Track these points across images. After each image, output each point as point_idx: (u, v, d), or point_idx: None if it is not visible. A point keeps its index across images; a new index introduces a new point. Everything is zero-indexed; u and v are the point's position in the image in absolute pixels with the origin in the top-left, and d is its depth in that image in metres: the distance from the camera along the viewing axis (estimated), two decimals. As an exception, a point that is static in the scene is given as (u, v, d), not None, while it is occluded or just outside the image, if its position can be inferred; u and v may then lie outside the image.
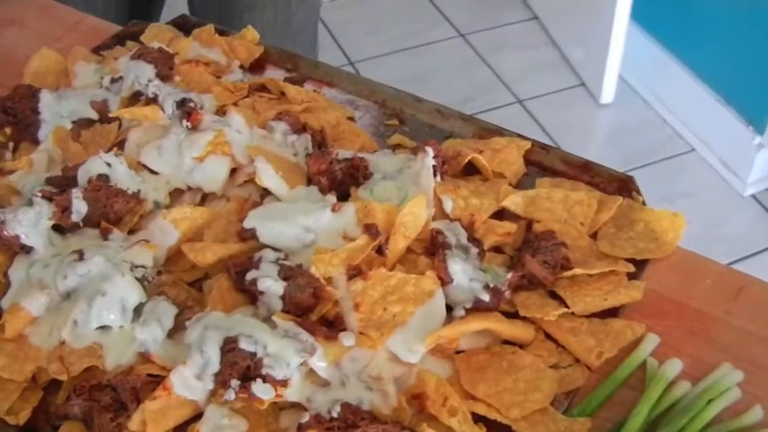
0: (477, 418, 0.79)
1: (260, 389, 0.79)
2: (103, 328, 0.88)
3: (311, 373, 0.82)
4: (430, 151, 0.95)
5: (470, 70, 2.85)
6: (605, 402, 0.82)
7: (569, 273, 0.89)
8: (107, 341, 0.88)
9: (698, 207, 2.38)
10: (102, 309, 0.87)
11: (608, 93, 2.66)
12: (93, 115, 1.10)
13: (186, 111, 1.02)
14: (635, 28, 2.62)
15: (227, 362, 0.79)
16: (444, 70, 2.85)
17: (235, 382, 0.79)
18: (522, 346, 0.86)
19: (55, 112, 1.10)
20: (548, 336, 0.87)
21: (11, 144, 1.09)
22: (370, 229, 0.90)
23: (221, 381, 0.80)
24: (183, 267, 0.95)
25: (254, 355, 0.79)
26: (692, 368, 0.84)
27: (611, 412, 0.81)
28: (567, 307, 0.87)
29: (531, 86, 2.76)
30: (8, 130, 1.10)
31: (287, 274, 0.87)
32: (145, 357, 0.86)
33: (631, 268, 0.91)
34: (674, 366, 0.83)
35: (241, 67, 1.20)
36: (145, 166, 1.02)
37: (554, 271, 0.89)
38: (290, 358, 0.80)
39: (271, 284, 0.86)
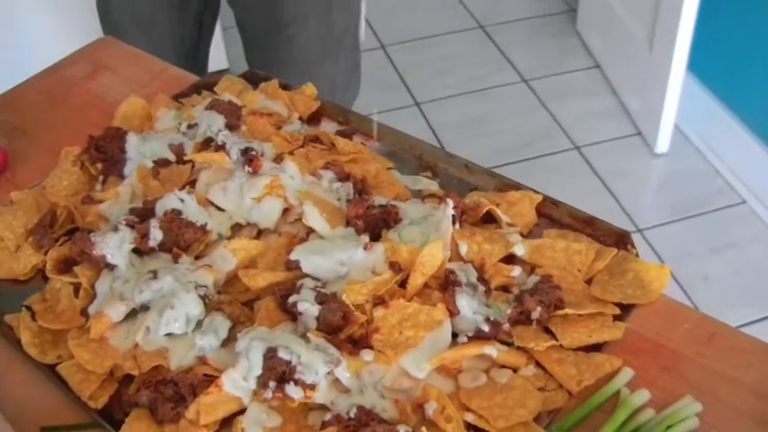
0: (470, 427, 1.00)
1: (292, 390, 1.01)
2: (170, 335, 1.12)
3: (336, 381, 1.04)
4: (450, 203, 1.17)
5: (531, 115, 3.05)
6: (580, 422, 1.01)
7: (561, 312, 1.09)
8: (172, 345, 1.11)
9: (746, 258, 2.53)
10: (170, 319, 1.10)
11: (663, 143, 2.83)
12: (171, 157, 1.35)
13: (249, 158, 1.25)
14: (692, 79, 2.79)
15: (268, 367, 1.02)
16: (506, 114, 3.05)
17: (272, 383, 1.01)
18: (515, 371, 1.06)
19: (139, 152, 1.35)
20: (537, 364, 1.07)
21: (101, 177, 1.35)
22: (394, 266, 1.12)
23: (262, 382, 1.02)
24: (239, 290, 1.18)
25: (289, 362, 1.02)
26: (660, 400, 1.02)
27: (584, 430, 1.00)
28: (557, 340, 1.07)
29: (589, 133, 2.95)
30: (99, 166, 1.35)
31: (322, 299, 1.09)
32: (202, 360, 1.09)
33: (617, 311, 1.10)
34: (641, 395, 1.02)
35: (300, 118, 1.44)
36: (212, 203, 1.26)
37: (548, 309, 1.09)
38: (318, 367, 1.02)
39: (308, 307, 1.08)
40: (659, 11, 2.71)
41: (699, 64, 2.77)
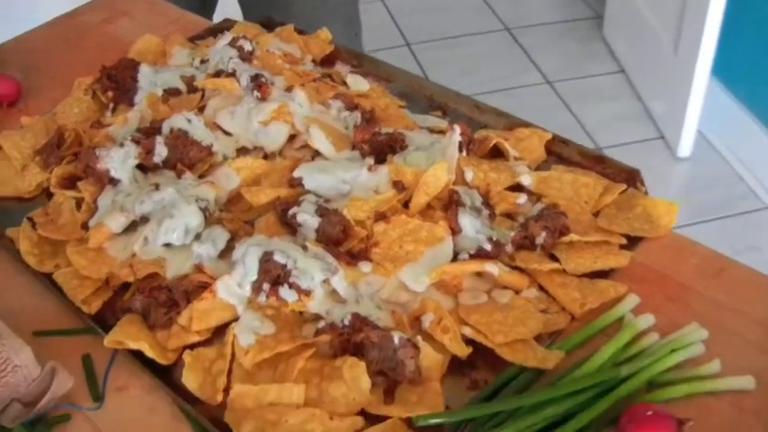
0: (468, 343, 0.97)
1: (286, 292, 0.99)
2: (168, 246, 1.10)
3: (333, 293, 1.02)
4: (457, 129, 1.15)
5: (554, 116, 3.04)
6: (582, 344, 0.98)
7: (567, 238, 1.06)
8: (169, 256, 1.10)
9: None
10: (169, 228, 1.09)
11: (686, 147, 2.81)
12: (182, 87, 1.34)
13: (258, 84, 1.25)
14: (716, 84, 2.77)
15: (263, 270, 1.00)
16: (529, 114, 3.01)
17: (266, 286, 0.99)
18: (517, 293, 1.04)
19: (150, 81, 1.35)
20: (540, 288, 1.05)
21: (111, 105, 1.35)
22: (397, 185, 1.11)
23: (256, 286, 1.01)
24: (240, 209, 1.16)
25: (284, 266, 1.00)
26: (665, 328, 0.99)
27: (586, 352, 0.97)
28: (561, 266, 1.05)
29: (612, 135, 2.93)
30: (110, 94, 1.35)
31: (322, 212, 1.07)
32: (198, 269, 1.07)
33: (623, 240, 1.07)
34: (646, 319, 0.98)
35: (313, 61, 1.44)
36: (219, 128, 1.25)
37: (553, 235, 1.06)
38: (315, 273, 1.00)
39: (308, 218, 1.07)
40: (685, 15, 2.70)
41: (723, 69, 2.75)
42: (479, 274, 1.05)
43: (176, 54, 1.43)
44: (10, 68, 1.48)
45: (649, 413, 0.86)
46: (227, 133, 1.25)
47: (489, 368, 0.96)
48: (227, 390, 0.95)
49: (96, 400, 0.99)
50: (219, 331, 1.02)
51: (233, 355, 0.98)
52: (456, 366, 0.97)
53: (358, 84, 1.33)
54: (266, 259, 1.00)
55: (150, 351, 0.98)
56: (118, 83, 1.34)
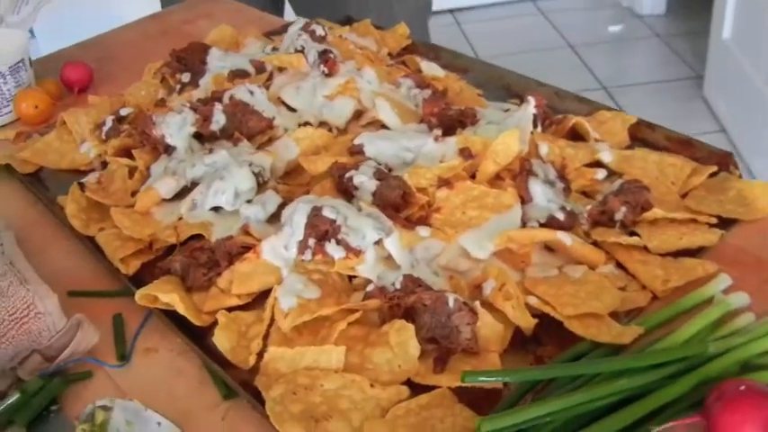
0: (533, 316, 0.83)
1: (333, 248, 0.87)
2: (217, 210, 1.00)
3: (386, 259, 0.89)
4: (532, 100, 1.03)
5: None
6: (664, 324, 0.82)
7: (649, 214, 0.91)
8: (217, 220, 0.99)
9: None
10: (219, 191, 0.98)
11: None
12: (251, 70, 1.26)
13: (325, 59, 1.15)
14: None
15: (310, 224, 0.88)
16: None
17: (312, 241, 0.88)
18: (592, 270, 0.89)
19: (219, 65, 1.26)
20: (619, 266, 0.90)
21: (178, 87, 1.27)
22: (464, 152, 0.98)
23: (302, 243, 0.89)
24: (298, 182, 1.05)
25: (334, 221, 0.88)
26: (761, 310, 0.82)
27: (667, 332, 0.82)
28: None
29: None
30: (179, 76, 1.28)
31: (381, 175, 0.96)
32: (245, 231, 0.96)
33: (714, 220, 0.92)
34: (740, 298, 0.82)
35: (389, 54, 1.34)
36: (283, 104, 1.16)
37: (635, 211, 0.92)
38: (366, 232, 0.88)
39: (365, 180, 0.95)
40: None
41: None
42: (550, 249, 0.91)
43: (249, 44, 1.36)
44: (86, 59, 1.42)
45: (742, 388, 0.69)
46: (291, 110, 1.15)
47: (557, 345, 0.82)
48: (260, 355, 0.82)
49: (122, 359, 0.87)
50: (260, 299, 0.90)
51: (272, 320, 0.86)
52: (519, 342, 0.82)
53: (432, 69, 1.23)
54: (314, 214, 0.89)
55: (182, 307, 0.87)
56: (187, 65, 1.27)
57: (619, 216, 0.92)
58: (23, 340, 0.86)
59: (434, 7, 3.52)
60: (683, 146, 1.05)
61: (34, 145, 1.20)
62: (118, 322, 0.91)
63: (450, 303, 0.80)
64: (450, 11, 3.83)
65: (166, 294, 0.87)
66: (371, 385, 0.78)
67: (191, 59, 1.27)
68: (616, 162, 1.00)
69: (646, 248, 0.90)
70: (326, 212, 0.88)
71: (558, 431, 0.69)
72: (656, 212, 0.91)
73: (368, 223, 0.88)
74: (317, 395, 0.77)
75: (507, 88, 1.22)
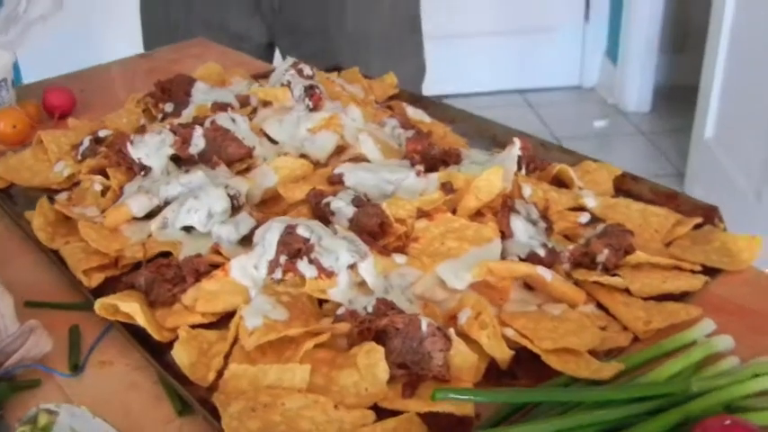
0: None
1: (305, 266, 0.83)
2: (188, 231, 0.96)
3: (360, 285, 0.85)
4: (517, 142, 1.00)
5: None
6: (645, 365, 0.78)
7: (633, 257, 0.88)
8: (187, 240, 0.95)
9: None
10: (192, 209, 0.94)
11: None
12: (235, 103, 1.23)
13: (311, 93, 1.13)
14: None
15: (283, 242, 0.84)
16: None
17: (283, 258, 0.83)
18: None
19: (204, 98, 1.24)
20: (599, 306, 0.86)
21: (160, 116, 1.24)
22: (445, 187, 0.95)
23: (273, 261, 0.85)
24: (274, 210, 1.02)
25: (307, 240, 0.84)
26: (746, 356, 0.79)
27: (648, 371, 0.78)
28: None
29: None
30: (161, 106, 1.25)
31: (359, 203, 0.92)
32: (215, 249, 0.92)
33: (698, 268, 0.89)
34: (724, 341, 0.78)
35: (376, 101, 1.32)
36: (265, 135, 1.13)
37: (617, 254, 0.89)
38: (340, 254, 0.84)
39: (342, 206, 0.91)
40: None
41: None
42: (529, 288, 0.87)
43: (236, 83, 1.33)
44: (71, 86, 1.40)
45: (728, 422, 0.65)
46: (273, 142, 1.12)
47: (533, 380, 0.77)
48: (220, 374, 0.77)
49: (74, 369, 0.82)
50: (225, 321, 0.85)
51: (236, 340, 0.81)
52: (493, 375, 0.78)
53: (418, 115, 1.21)
54: (288, 232, 0.85)
55: (143, 318, 0.82)
56: (171, 95, 1.24)
57: (601, 258, 0.88)
58: (-29, 342, 0.80)
59: (422, 92, 3.54)
60: (669, 198, 1.03)
61: (7, 161, 1.16)
62: (74, 333, 0.86)
63: (424, 328, 0.76)
64: (438, 97, 3.86)
65: (127, 304, 0.82)
66: (335, 407, 0.73)
67: (175, 90, 1.24)
68: (600, 208, 0.98)
69: (627, 291, 0.86)
70: (300, 231, 0.84)
71: (531, 458, 0.65)
72: (640, 256, 0.88)
73: (342, 245, 0.84)
74: (278, 414, 0.72)
75: (493, 138, 1.20)
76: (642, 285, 0.86)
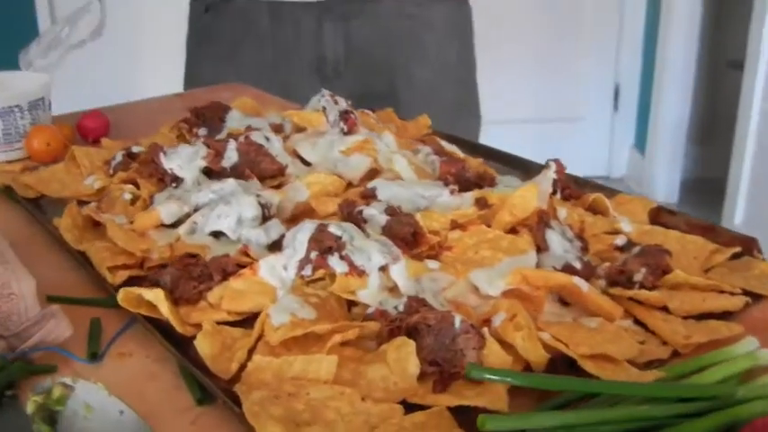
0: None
1: (336, 262, 0.80)
2: (216, 237, 0.94)
3: (391, 291, 0.82)
4: (553, 165, 0.99)
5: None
6: (686, 375, 0.74)
7: (671, 276, 0.85)
8: (215, 245, 0.93)
9: None
10: (222, 215, 0.92)
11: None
12: (269, 130, 1.22)
13: (345, 117, 1.12)
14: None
15: (314, 239, 0.82)
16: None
17: (314, 254, 0.81)
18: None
19: (238, 125, 1.24)
20: (637, 322, 0.82)
21: (194, 140, 1.23)
22: (479, 202, 0.93)
23: (303, 258, 0.82)
24: (305, 226, 1.00)
25: (339, 238, 0.82)
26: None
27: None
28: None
29: None
30: (195, 130, 1.24)
31: (392, 212, 0.90)
32: (243, 251, 0.89)
33: (738, 290, 0.86)
34: (769, 355, 0.75)
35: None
36: (298, 157, 1.12)
37: (655, 273, 0.86)
38: (372, 253, 0.81)
39: (375, 214, 0.89)
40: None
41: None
42: (564, 303, 0.84)
43: (270, 117, 1.33)
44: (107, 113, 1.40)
45: (781, 421, 0.61)
46: (306, 164, 1.11)
47: (567, 388, 0.73)
48: (243, 367, 0.74)
49: (93, 358, 0.79)
50: (250, 321, 0.82)
51: (260, 337, 0.78)
52: (526, 382, 0.74)
53: (452, 149, 1.19)
54: (320, 230, 0.82)
55: (166, 308, 0.79)
56: (206, 121, 1.24)
57: (638, 277, 0.85)
58: (-10, 321, 0.77)
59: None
60: (706, 231, 0.99)
61: (38, 173, 1.15)
62: (95, 324, 0.83)
63: (457, 324, 0.72)
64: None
65: (150, 291, 0.79)
66: (362, 399, 0.69)
67: (210, 116, 1.24)
68: (636, 234, 0.95)
69: (666, 310, 0.83)
70: (332, 229, 0.82)
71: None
72: (678, 275, 0.85)
73: (375, 246, 0.82)
74: (302, 402, 0.69)
75: (527, 171, 1.18)
76: (681, 303, 0.82)
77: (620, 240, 0.92)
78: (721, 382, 0.70)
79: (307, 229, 0.84)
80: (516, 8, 3.54)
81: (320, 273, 0.81)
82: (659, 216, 1.04)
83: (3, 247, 0.84)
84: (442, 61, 1.84)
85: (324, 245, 0.81)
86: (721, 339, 0.78)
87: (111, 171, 1.11)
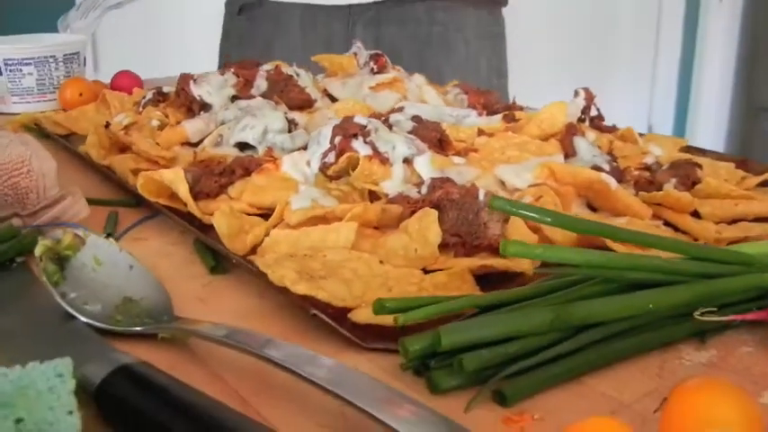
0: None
1: (360, 145, 0.77)
2: (242, 148, 0.91)
3: (416, 184, 0.79)
4: (582, 92, 0.96)
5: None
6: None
7: (703, 185, 0.80)
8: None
9: None
10: (247, 126, 0.90)
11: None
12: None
13: (376, 57, 1.10)
14: None
15: (338, 127, 0.79)
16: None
17: (338, 138, 0.78)
18: (637, 224, 0.77)
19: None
20: (667, 224, 0.78)
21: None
22: (507, 117, 0.90)
23: (328, 148, 0.79)
24: (329, 149, 0.97)
25: (364, 127, 0.79)
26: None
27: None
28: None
29: None
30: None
31: (418, 120, 0.87)
32: (267, 153, 0.87)
33: (774, 201, 0.81)
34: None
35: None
36: (328, 95, 1.09)
37: (686, 184, 0.81)
38: (397, 143, 0.78)
39: (401, 119, 0.86)
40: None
41: None
42: (593, 209, 0.80)
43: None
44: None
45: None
46: (334, 102, 1.08)
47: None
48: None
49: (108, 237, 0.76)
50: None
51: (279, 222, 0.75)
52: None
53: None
54: (345, 119, 0.80)
55: (184, 188, 0.76)
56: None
57: (668, 187, 0.81)
58: (8, 195, 0.75)
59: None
60: (738, 164, 0.95)
61: (69, 113, 1.14)
62: (112, 216, 0.80)
63: (481, 197, 0.69)
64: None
65: (171, 171, 0.77)
66: (381, 262, 0.65)
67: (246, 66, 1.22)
68: (666, 157, 0.91)
69: (697, 216, 0.78)
70: (358, 119, 0.79)
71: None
72: (710, 183, 0.81)
73: (400, 138, 0.79)
74: (318, 263, 0.65)
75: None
76: (713, 208, 0.78)
77: (649, 158, 0.88)
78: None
79: (331, 123, 0.81)
80: (551, 39, 3.52)
81: (343, 161, 0.78)
82: (689, 152, 1.00)
83: (25, 138, 0.81)
84: (472, 67, 1.83)
85: (347, 131, 0.78)
86: (753, 237, 0.73)
87: (141, 108, 1.09)
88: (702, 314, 0.54)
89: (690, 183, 0.81)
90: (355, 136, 0.77)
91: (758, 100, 3.50)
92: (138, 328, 0.57)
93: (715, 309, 0.54)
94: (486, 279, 0.64)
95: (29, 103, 1.23)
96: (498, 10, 1.89)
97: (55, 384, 0.44)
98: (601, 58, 3.59)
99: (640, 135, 1.00)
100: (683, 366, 0.54)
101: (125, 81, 1.30)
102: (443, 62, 1.78)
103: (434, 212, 0.67)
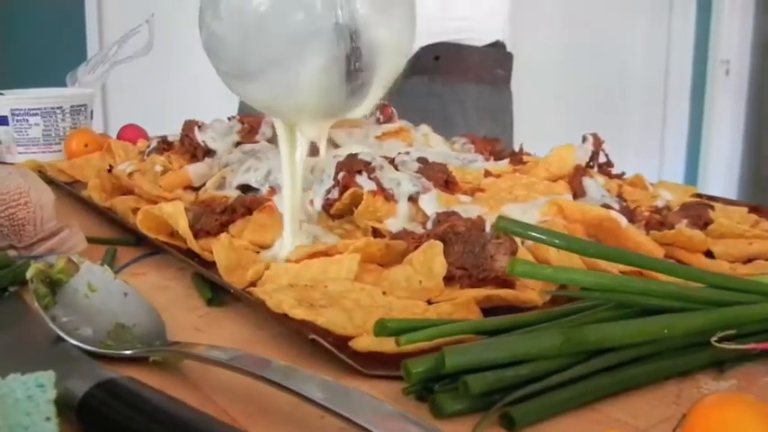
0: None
1: (364, 180, 0.75)
2: (245, 192, 0.90)
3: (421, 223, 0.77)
4: (590, 138, 0.94)
5: None
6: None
7: (715, 225, 0.78)
8: (242, 196, 0.89)
9: None
10: (251, 168, 0.89)
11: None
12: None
13: (382, 107, 1.09)
14: None
15: (342, 164, 0.78)
16: None
17: (342, 174, 0.76)
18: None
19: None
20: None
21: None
22: (514, 160, 0.88)
23: (331, 183, 0.77)
24: (334, 196, 0.95)
25: (368, 163, 0.77)
26: None
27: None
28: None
29: None
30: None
31: (424, 161, 0.86)
32: (270, 192, 0.85)
33: (788, 242, 0.78)
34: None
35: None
36: (334, 145, 1.08)
37: (697, 223, 0.79)
38: (402, 180, 0.76)
39: (407, 159, 0.85)
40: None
41: None
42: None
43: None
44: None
45: None
46: (339, 151, 1.07)
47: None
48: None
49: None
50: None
51: (280, 262, 0.72)
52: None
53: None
54: (349, 156, 0.78)
55: (184, 224, 0.74)
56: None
57: (680, 227, 0.79)
58: (5, 225, 0.73)
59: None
60: (750, 208, 0.93)
61: (73, 161, 1.13)
62: (110, 252, 0.78)
63: (488, 229, 0.66)
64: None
65: (170, 205, 0.75)
66: (384, 293, 0.63)
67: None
68: (676, 202, 0.89)
69: (710, 256, 0.76)
70: (363, 156, 0.78)
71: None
72: (722, 223, 0.78)
73: (405, 176, 0.77)
74: (319, 293, 0.63)
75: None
76: (726, 248, 0.76)
77: (660, 202, 0.86)
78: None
79: (335, 161, 0.79)
80: (559, 101, 3.53)
81: (347, 197, 0.76)
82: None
83: (23, 170, 0.80)
84: None
85: (353, 167, 0.76)
86: (770, 275, 0.70)
87: (146, 157, 1.08)
88: (720, 340, 0.52)
89: (702, 223, 0.79)
90: (359, 172, 0.75)
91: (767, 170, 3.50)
92: (128, 352, 0.54)
93: (733, 332, 0.51)
94: (493, 313, 0.62)
95: (34, 153, 1.23)
96: (504, 85, 1.89)
97: (34, 393, 0.41)
98: (611, 136, 3.60)
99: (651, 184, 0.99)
100: (701, 395, 0.51)
101: (131, 134, 1.29)
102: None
103: (439, 244, 0.65)
